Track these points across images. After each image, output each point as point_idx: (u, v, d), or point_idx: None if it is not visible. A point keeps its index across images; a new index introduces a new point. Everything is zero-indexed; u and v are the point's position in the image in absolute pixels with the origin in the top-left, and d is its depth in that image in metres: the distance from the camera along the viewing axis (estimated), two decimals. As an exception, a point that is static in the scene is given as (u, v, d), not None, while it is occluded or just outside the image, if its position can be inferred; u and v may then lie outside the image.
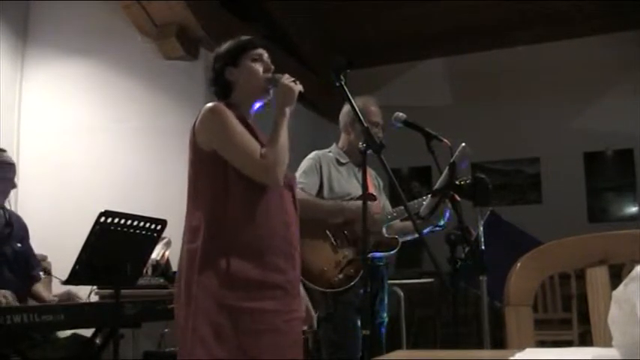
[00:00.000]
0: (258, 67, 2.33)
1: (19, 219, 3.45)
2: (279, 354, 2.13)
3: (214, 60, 2.39)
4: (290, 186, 2.34)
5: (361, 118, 2.50)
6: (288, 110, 2.26)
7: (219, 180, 2.18)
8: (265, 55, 2.37)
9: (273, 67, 2.37)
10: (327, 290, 3.09)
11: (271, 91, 2.32)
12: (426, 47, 7.19)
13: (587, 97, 6.79)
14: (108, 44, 5.26)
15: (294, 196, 2.34)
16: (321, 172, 3.24)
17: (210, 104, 2.25)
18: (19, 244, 3.35)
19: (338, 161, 3.30)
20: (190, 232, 2.20)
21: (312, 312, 2.60)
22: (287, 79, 2.28)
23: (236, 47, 2.36)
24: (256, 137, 2.26)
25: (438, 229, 3.09)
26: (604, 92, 6.73)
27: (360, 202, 2.63)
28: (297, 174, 3.25)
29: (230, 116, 2.21)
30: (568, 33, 6.70)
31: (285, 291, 2.19)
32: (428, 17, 6.60)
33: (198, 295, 2.09)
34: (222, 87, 2.36)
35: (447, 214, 3.07)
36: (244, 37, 2.40)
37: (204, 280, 2.10)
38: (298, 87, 2.29)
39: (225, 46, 2.40)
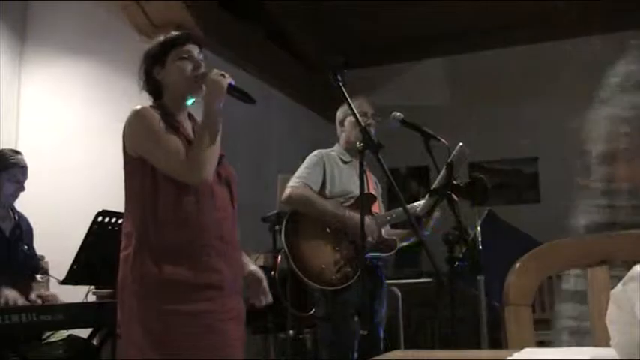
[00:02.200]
0: (186, 66, 2.21)
1: (26, 220, 3.40)
2: (217, 354, 2.08)
3: (142, 60, 2.29)
4: (228, 181, 2.24)
5: (358, 117, 2.50)
6: (216, 105, 2.15)
7: (148, 185, 2.10)
8: (195, 52, 2.25)
9: (203, 63, 2.25)
10: (326, 288, 3.09)
11: (203, 88, 2.19)
12: (425, 47, 7.19)
13: (587, 97, 6.78)
14: (106, 44, 5.24)
15: (231, 192, 2.24)
16: (325, 169, 3.24)
17: (135, 108, 2.17)
18: (26, 247, 3.31)
19: (342, 160, 3.31)
20: (124, 238, 2.15)
21: (264, 286, 2.42)
22: (215, 73, 2.18)
23: (162, 46, 2.25)
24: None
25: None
26: (603, 92, 6.72)
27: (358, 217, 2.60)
28: (299, 170, 3.26)
29: (153, 118, 2.12)
30: (568, 33, 6.70)
31: (221, 290, 2.13)
32: (427, 17, 6.59)
33: (132, 302, 2.06)
34: (152, 87, 2.27)
35: (433, 223, 3.08)
36: (173, 34, 2.28)
37: (136, 287, 2.06)
38: (227, 80, 2.17)
39: (152, 45, 2.29)
